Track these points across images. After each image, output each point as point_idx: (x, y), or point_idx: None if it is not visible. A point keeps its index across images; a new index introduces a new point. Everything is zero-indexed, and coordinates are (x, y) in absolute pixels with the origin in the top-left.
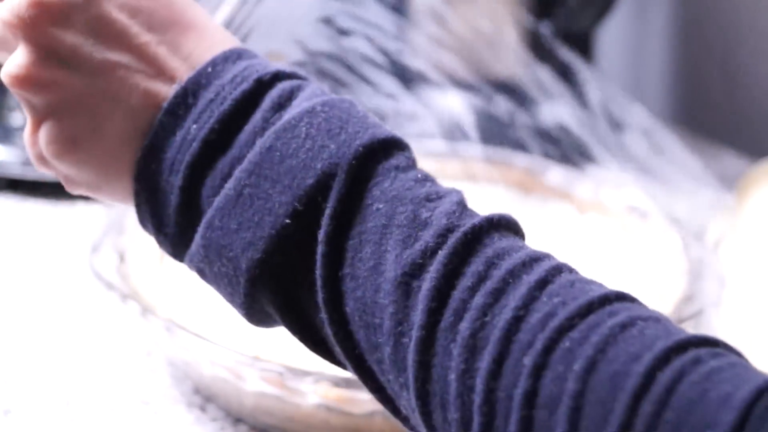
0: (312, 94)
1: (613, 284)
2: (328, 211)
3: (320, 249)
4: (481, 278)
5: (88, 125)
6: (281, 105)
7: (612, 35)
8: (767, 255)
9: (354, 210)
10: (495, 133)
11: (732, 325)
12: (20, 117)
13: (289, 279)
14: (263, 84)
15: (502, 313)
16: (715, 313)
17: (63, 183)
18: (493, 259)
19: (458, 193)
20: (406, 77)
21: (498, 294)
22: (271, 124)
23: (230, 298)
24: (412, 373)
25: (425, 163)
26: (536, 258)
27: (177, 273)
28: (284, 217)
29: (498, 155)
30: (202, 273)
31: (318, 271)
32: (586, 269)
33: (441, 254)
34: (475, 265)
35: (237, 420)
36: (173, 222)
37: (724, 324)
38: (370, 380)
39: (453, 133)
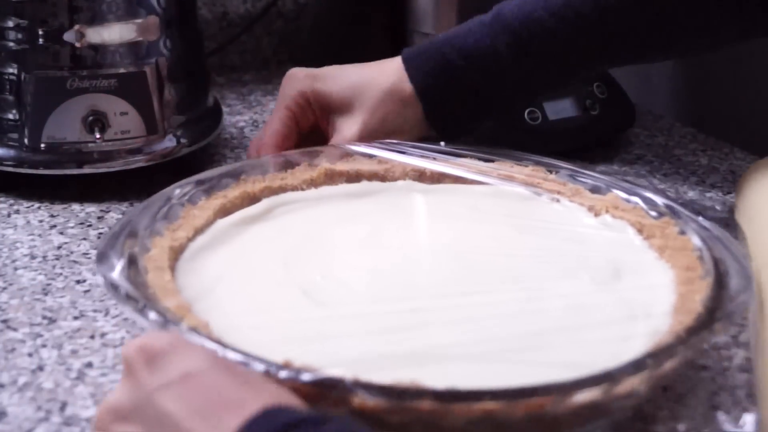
0: None
1: (636, 287)
2: None
3: None
4: None
5: None
6: None
7: None
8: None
9: None
10: (501, 131)
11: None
12: (14, 115)
13: None
14: None
15: None
16: (744, 312)
17: None
18: None
19: None
20: None
21: None
22: None
23: None
24: None
25: (433, 164)
26: None
27: (189, 279)
28: None
29: (508, 153)
30: None
31: None
32: (604, 271)
33: None
34: None
35: None
36: None
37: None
38: None
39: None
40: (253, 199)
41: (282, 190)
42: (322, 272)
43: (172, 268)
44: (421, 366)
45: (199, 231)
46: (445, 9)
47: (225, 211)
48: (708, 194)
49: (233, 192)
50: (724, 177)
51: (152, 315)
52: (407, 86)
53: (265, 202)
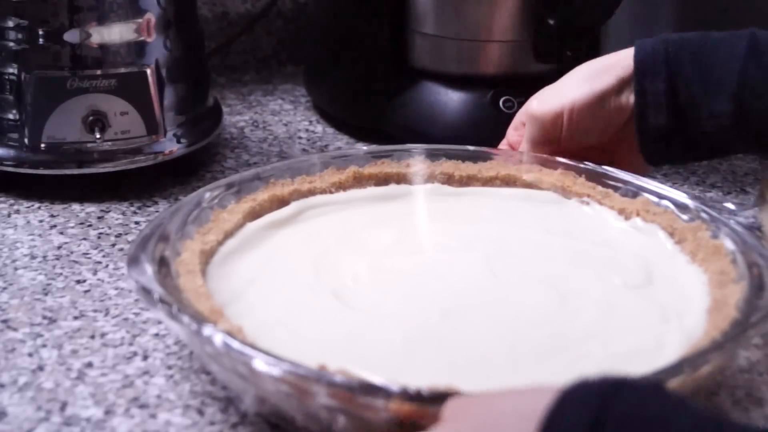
0: None
1: (669, 291)
2: None
3: None
4: None
5: None
6: None
7: (618, 32)
8: None
9: None
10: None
11: None
12: (14, 115)
13: None
14: None
15: None
16: None
17: None
18: None
19: None
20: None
21: None
22: None
23: None
24: None
25: (462, 167)
26: None
27: (220, 283)
28: None
29: (535, 156)
30: None
31: None
32: (636, 275)
33: None
34: None
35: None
36: None
37: None
38: None
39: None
40: (282, 202)
41: (311, 193)
42: (353, 276)
43: (203, 272)
44: (453, 369)
45: (229, 234)
46: (445, 9)
47: (254, 215)
48: (708, 194)
49: (262, 195)
50: (724, 177)
51: (185, 319)
52: (625, 62)
53: (294, 206)
